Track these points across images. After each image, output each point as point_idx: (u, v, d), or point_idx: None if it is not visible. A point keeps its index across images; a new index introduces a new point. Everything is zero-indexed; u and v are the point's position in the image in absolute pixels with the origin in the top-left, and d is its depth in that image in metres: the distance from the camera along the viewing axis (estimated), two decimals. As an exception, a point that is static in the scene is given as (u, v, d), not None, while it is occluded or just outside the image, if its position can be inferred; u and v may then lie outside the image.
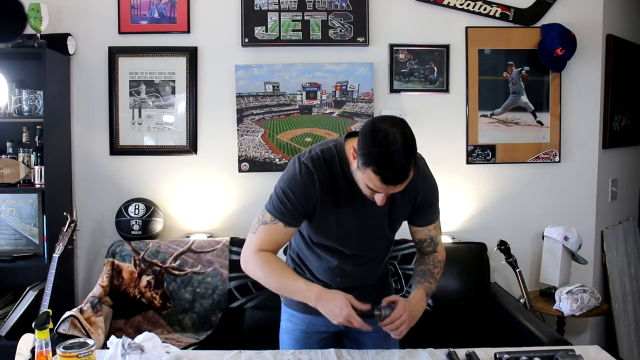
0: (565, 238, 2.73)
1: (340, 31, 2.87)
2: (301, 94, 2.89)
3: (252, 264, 1.56)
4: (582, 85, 2.98)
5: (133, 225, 2.71)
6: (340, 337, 1.77)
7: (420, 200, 1.59)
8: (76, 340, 1.36)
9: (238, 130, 2.89)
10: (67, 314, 2.23)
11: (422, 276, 1.61)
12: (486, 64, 2.94)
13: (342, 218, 1.54)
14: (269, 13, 2.86)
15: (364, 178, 1.37)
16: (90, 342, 1.34)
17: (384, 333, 1.60)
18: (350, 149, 1.45)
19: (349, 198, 1.52)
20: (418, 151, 1.42)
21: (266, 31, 2.86)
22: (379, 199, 1.42)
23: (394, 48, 2.91)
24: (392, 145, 1.30)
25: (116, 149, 2.92)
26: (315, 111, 2.89)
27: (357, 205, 1.53)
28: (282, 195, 1.50)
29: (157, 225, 2.78)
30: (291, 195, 1.49)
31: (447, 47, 2.93)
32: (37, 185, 2.67)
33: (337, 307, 1.42)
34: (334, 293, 1.46)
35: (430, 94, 2.95)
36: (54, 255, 2.47)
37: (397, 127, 1.34)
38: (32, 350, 1.53)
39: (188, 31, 2.89)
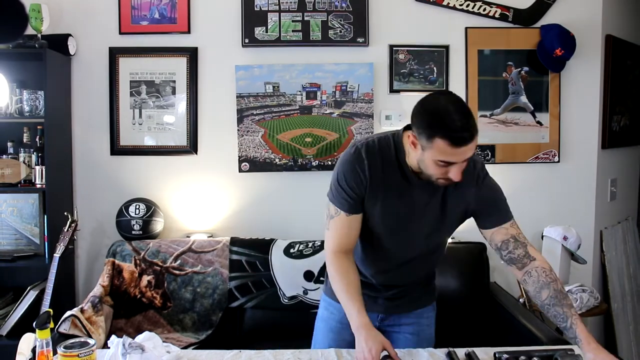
0: (565, 238, 2.73)
1: (340, 31, 2.88)
2: (301, 94, 2.89)
3: (328, 266, 1.57)
4: (582, 86, 2.99)
5: (133, 225, 2.72)
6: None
7: (479, 199, 1.55)
8: (77, 339, 1.36)
9: (238, 130, 2.90)
10: (68, 313, 2.23)
11: (563, 304, 1.43)
12: (485, 65, 2.95)
13: (391, 207, 1.52)
14: (269, 13, 2.86)
15: (433, 154, 1.36)
16: (91, 341, 1.35)
17: (420, 335, 1.63)
18: (407, 138, 1.45)
19: (401, 188, 1.51)
20: (479, 159, 1.51)
21: (266, 31, 2.87)
22: (455, 172, 1.39)
23: (394, 48, 2.91)
24: (448, 107, 1.34)
25: (117, 149, 2.93)
26: (315, 111, 2.90)
27: (409, 196, 1.52)
28: (336, 182, 1.53)
29: (158, 225, 2.79)
30: (343, 180, 1.51)
31: (446, 47, 2.93)
32: (38, 185, 2.68)
33: (368, 347, 1.38)
34: (376, 334, 1.42)
35: (430, 94, 2.95)
36: (54, 255, 2.48)
37: (443, 95, 1.42)
38: (33, 350, 1.53)
39: (188, 31, 2.90)
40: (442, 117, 1.33)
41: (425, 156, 1.40)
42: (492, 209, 1.57)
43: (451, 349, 1.55)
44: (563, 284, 1.49)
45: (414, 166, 1.48)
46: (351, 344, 1.49)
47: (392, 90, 2.93)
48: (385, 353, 1.39)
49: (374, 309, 1.67)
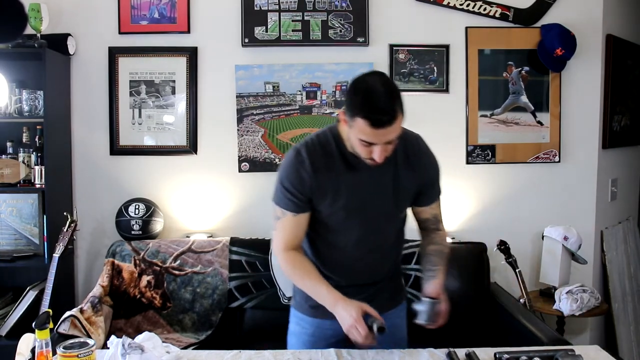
0: (565, 238, 2.73)
1: (340, 31, 2.88)
2: (301, 94, 2.89)
3: (282, 264, 1.60)
4: (582, 86, 2.98)
5: (133, 225, 2.72)
6: (349, 340, 1.75)
7: (426, 178, 1.60)
8: (76, 340, 1.36)
9: (238, 130, 2.89)
10: (68, 313, 2.23)
11: (439, 257, 1.61)
12: (486, 64, 2.95)
13: (342, 198, 1.53)
14: (269, 13, 2.86)
15: (356, 133, 1.38)
16: (91, 342, 1.34)
17: (393, 336, 1.62)
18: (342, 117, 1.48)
19: (348, 177, 1.52)
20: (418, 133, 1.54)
21: (266, 31, 2.86)
22: (377, 154, 1.41)
23: (394, 48, 2.91)
24: (373, 87, 1.35)
25: (116, 149, 2.92)
26: (315, 111, 2.90)
27: (357, 183, 1.53)
28: (280, 184, 1.55)
29: (157, 225, 2.79)
30: (288, 182, 1.53)
31: (447, 47, 2.93)
32: (38, 185, 2.67)
33: (349, 313, 1.44)
34: (351, 302, 1.47)
35: (430, 94, 2.95)
36: (54, 255, 2.47)
37: (375, 75, 1.41)
38: (33, 350, 1.52)
39: (188, 31, 2.89)
40: (365, 97, 1.35)
41: (351, 134, 1.42)
42: (431, 188, 1.64)
43: (451, 349, 1.55)
44: (448, 255, 1.66)
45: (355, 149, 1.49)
46: None
47: (392, 90, 2.92)
48: (379, 324, 1.43)
49: None
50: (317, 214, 1.57)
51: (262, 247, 2.69)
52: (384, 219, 1.60)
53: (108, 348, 1.48)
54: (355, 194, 1.53)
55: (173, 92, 2.91)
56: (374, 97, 1.34)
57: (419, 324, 1.51)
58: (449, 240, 2.87)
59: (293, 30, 2.87)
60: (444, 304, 1.50)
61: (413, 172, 1.57)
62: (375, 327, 1.42)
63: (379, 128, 1.35)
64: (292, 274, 1.58)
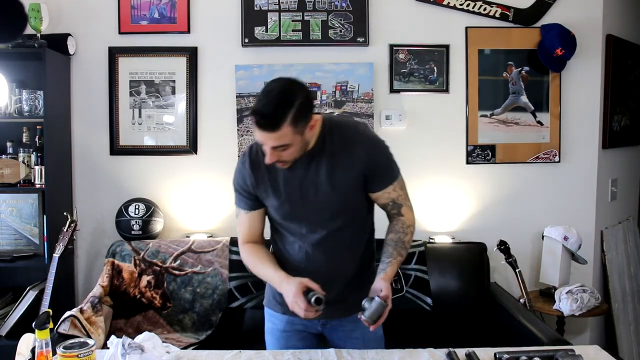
0: (565, 238, 2.73)
1: (340, 31, 2.87)
2: (301, 94, 2.88)
3: (242, 256, 1.72)
4: (582, 86, 2.98)
5: (133, 225, 2.72)
6: (324, 339, 1.75)
7: (369, 163, 1.56)
8: (76, 340, 1.36)
9: (238, 130, 2.89)
10: (68, 313, 2.23)
11: (395, 247, 1.58)
12: (486, 64, 2.95)
13: (283, 194, 1.59)
14: (269, 13, 2.86)
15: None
16: (91, 342, 1.35)
17: (366, 337, 1.63)
18: None
19: (285, 174, 1.57)
20: (362, 121, 1.59)
21: (266, 31, 2.86)
22: (267, 155, 1.47)
23: (394, 48, 2.91)
24: (266, 91, 1.42)
25: (116, 149, 2.92)
26: (315, 111, 2.89)
27: (293, 178, 1.57)
28: (233, 186, 1.67)
29: (157, 225, 2.79)
30: (235, 182, 1.66)
31: (447, 47, 2.93)
32: (38, 185, 2.67)
33: (290, 290, 1.49)
34: (294, 279, 1.52)
35: (430, 94, 2.95)
36: (54, 255, 2.47)
37: (281, 81, 1.45)
38: (32, 350, 1.52)
39: (188, 31, 2.89)
40: (258, 98, 1.44)
41: None
42: (381, 172, 1.60)
43: (451, 349, 1.55)
44: (411, 240, 1.63)
45: None
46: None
47: (392, 90, 2.92)
48: (317, 295, 1.46)
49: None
50: (268, 210, 1.66)
51: (262, 247, 2.69)
52: (327, 212, 1.59)
53: (108, 348, 1.48)
54: (293, 189, 1.58)
55: (173, 92, 2.91)
56: (263, 100, 1.41)
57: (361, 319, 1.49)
58: (448, 239, 2.87)
59: (293, 30, 2.87)
60: (389, 307, 1.47)
61: (350, 159, 1.55)
62: (312, 300, 1.45)
63: (261, 131, 1.41)
64: (249, 263, 1.69)
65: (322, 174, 1.55)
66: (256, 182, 1.60)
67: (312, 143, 1.54)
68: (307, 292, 1.48)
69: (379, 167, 1.59)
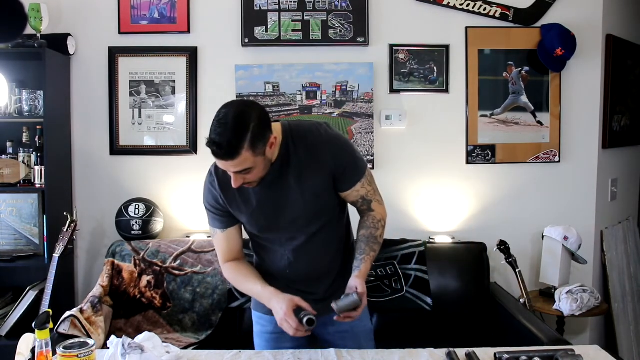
0: (565, 238, 2.73)
1: (340, 31, 2.87)
2: (301, 94, 2.89)
3: (227, 276, 1.71)
4: (582, 85, 2.98)
5: (133, 225, 2.72)
6: (313, 336, 1.74)
7: (336, 165, 1.56)
8: (76, 340, 1.36)
9: (238, 130, 2.89)
10: (67, 313, 2.23)
11: (367, 243, 1.60)
12: (486, 64, 2.95)
13: (256, 207, 1.58)
14: (269, 13, 2.86)
15: None
16: (91, 342, 1.35)
17: (355, 330, 1.65)
18: None
19: (257, 190, 1.56)
20: (322, 120, 1.57)
21: (266, 31, 2.86)
22: (232, 179, 1.46)
23: (394, 48, 2.91)
24: (219, 119, 1.40)
25: (116, 149, 2.92)
26: (315, 111, 2.90)
27: (266, 191, 1.56)
28: (204, 206, 1.66)
29: (157, 225, 2.79)
30: (206, 202, 1.65)
31: (447, 47, 2.93)
32: (38, 185, 2.67)
33: (280, 307, 1.48)
34: (284, 296, 1.52)
35: (430, 94, 2.95)
36: (54, 255, 2.47)
37: (234, 106, 1.43)
38: (32, 350, 1.52)
39: (188, 31, 2.89)
40: (211, 127, 1.41)
41: None
42: (347, 171, 1.59)
43: (451, 349, 1.55)
44: (383, 234, 1.66)
45: None
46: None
47: (392, 90, 2.92)
48: (309, 316, 1.45)
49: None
50: (244, 225, 1.66)
51: (262, 247, 2.69)
52: (303, 219, 1.60)
53: (108, 348, 1.48)
54: (265, 202, 1.57)
55: (173, 92, 2.91)
56: (217, 130, 1.39)
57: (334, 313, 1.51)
58: (448, 239, 2.87)
59: (293, 30, 2.87)
60: (364, 304, 1.49)
61: (318, 163, 1.54)
62: (305, 320, 1.45)
63: (220, 160, 1.41)
64: (234, 281, 1.70)
65: (292, 183, 1.55)
66: (228, 201, 1.60)
67: (276, 155, 1.52)
68: (297, 310, 1.48)
69: (346, 167, 1.58)
